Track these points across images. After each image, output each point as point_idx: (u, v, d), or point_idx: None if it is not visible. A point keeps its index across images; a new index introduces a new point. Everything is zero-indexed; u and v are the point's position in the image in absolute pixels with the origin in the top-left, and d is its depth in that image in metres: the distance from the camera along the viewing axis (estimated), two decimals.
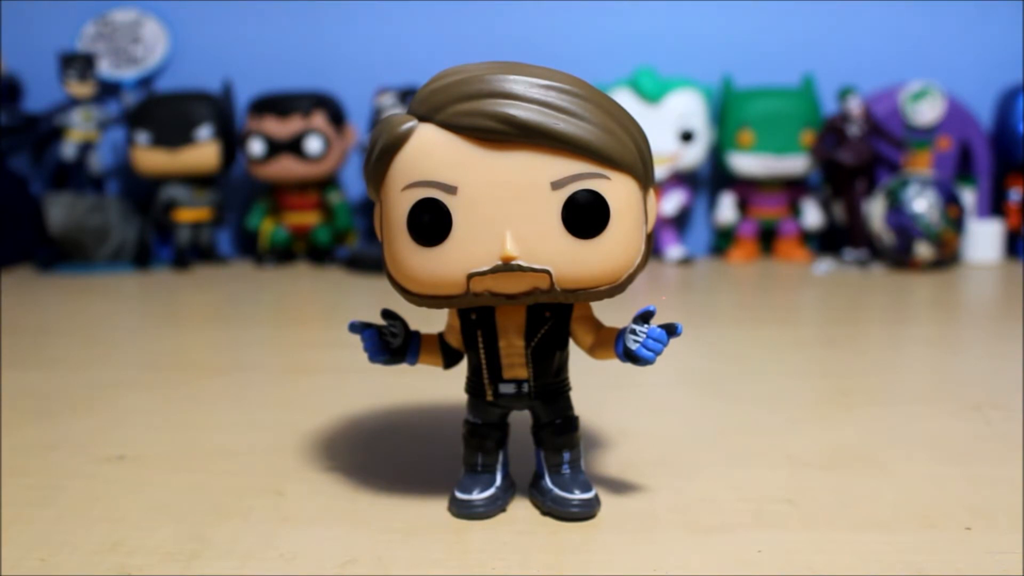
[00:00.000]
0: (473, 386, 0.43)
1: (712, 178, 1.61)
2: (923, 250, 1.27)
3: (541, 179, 0.36)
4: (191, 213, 1.52)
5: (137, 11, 1.64)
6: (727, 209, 1.51)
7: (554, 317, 0.41)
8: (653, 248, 1.03)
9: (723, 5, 1.58)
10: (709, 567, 0.37)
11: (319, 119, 1.47)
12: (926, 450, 0.52)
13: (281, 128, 1.46)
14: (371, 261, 1.36)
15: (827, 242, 1.55)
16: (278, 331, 0.98)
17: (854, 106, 1.38)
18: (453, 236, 0.37)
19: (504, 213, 0.36)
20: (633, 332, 0.39)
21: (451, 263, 0.37)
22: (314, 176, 1.49)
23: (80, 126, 1.50)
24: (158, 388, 0.71)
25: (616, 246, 0.38)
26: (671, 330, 0.39)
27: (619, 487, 0.46)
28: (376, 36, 1.62)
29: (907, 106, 1.42)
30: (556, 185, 0.36)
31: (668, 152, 1.47)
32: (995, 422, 0.57)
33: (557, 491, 0.42)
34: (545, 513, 0.43)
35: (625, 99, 1.46)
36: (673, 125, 1.47)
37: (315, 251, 1.52)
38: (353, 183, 1.64)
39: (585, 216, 0.36)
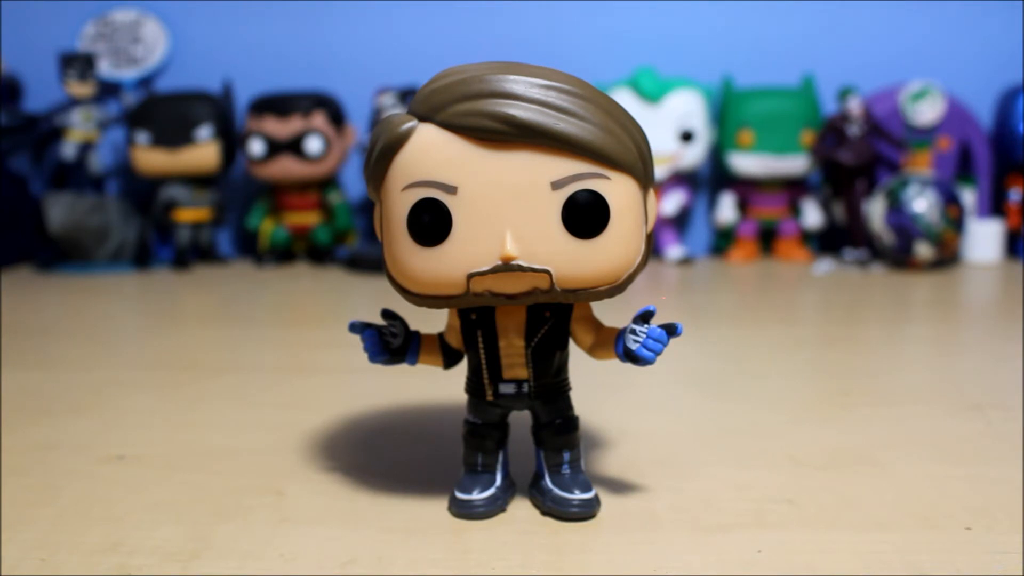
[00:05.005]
0: (473, 386, 0.43)
1: (712, 178, 1.61)
2: (923, 250, 1.27)
3: (541, 179, 0.36)
4: (191, 213, 1.52)
5: (137, 11, 1.64)
6: (727, 209, 1.51)
7: (554, 317, 0.41)
8: (653, 248, 1.03)
9: (723, 5, 1.58)
10: (709, 567, 0.37)
11: (319, 119, 1.47)
12: (926, 450, 0.52)
13: (281, 128, 1.46)
14: (371, 261, 1.36)
15: (827, 242, 1.55)
16: (278, 331, 0.98)
17: (854, 106, 1.38)
18: (453, 236, 0.37)
19: (504, 213, 0.36)
20: (633, 332, 0.39)
21: (451, 263, 0.37)
22: (314, 176, 1.49)
23: (80, 126, 1.50)
24: (158, 388, 0.71)
25: (616, 246, 0.38)
26: (671, 330, 0.39)
27: (619, 487, 0.46)
28: (376, 36, 1.62)
29: (907, 106, 1.42)
30: (556, 185, 0.36)
31: (668, 152, 1.47)
32: (995, 422, 0.57)
33: (557, 491, 0.42)
34: (545, 513, 0.43)
35: (625, 99, 1.46)
36: (673, 125, 1.47)
37: (315, 251, 1.52)
38: (353, 183, 1.64)
39: (585, 216, 0.37)
